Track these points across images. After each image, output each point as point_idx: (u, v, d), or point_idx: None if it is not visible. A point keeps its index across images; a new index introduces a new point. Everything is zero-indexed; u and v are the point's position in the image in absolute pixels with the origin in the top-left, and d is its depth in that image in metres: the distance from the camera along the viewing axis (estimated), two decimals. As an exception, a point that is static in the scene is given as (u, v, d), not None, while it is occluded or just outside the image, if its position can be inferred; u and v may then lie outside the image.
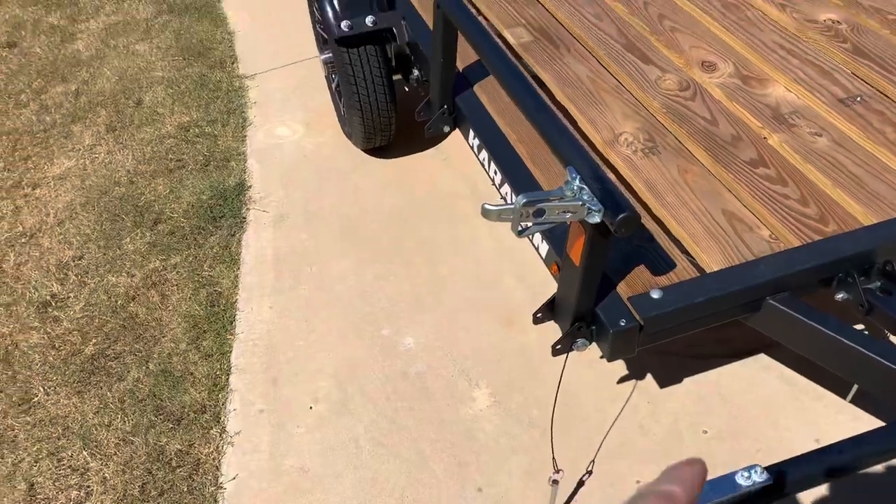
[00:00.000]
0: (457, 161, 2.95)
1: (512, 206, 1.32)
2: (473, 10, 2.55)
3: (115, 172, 3.07)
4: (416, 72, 2.58)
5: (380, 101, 2.66)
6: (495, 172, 2.00)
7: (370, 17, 2.47)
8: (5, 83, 3.75)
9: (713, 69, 2.20)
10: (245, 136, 3.19)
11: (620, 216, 1.29)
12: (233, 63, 3.67)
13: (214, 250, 2.65)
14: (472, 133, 2.13)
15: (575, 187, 1.37)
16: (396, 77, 2.76)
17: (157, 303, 2.48)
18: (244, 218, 2.78)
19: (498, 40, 1.98)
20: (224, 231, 2.72)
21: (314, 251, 2.60)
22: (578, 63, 2.28)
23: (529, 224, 1.37)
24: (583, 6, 2.53)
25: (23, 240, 2.80)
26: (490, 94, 2.21)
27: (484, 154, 2.06)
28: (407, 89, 2.70)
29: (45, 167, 3.17)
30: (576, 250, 1.48)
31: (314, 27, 3.08)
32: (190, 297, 2.48)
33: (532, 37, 2.41)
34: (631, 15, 2.47)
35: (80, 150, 3.24)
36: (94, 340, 2.37)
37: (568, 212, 1.34)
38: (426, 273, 2.48)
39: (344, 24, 2.45)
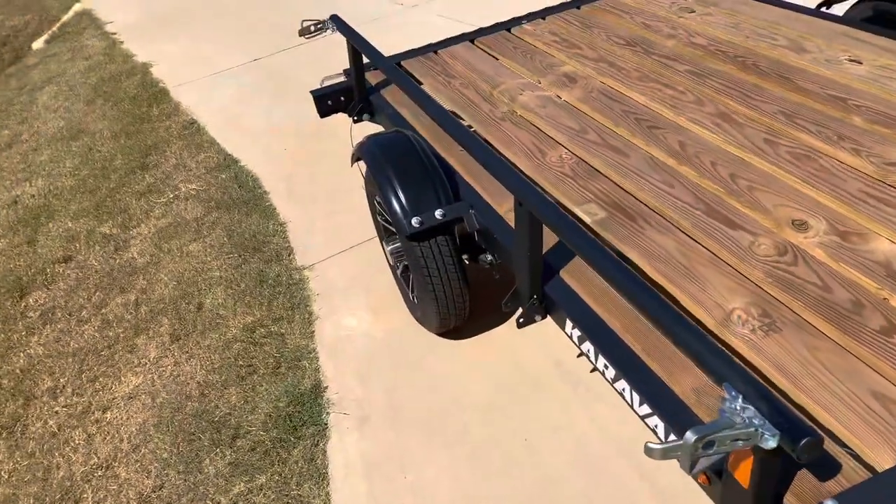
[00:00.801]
0: (531, 332, 2.86)
1: (680, 444, 1.21)
2: (539, 188, 2.54)
3: (185, 386, 3.00)
4: (488, 256, 2.55)
5: (454, 287, 2.61)
6: (605, 367, 1.89)
7: (439, 210, 2.46)
8: (65, 300, 3.76)
9: (806, 228, 2.13)
10: (313, 331, 3.13)
11: (804, 442, 1.17)
12: (289, 255, 3.68)
13: (300, 465, 2.52)
14: (569, 323, 2.04)
15: (738, 407, 1.26)
16: (463, 257, 2.72)
17: (249, 533, 2.33)
18: (325, 424, 2.66)
19: (581, 227, 1.93)
20: (307, 441, 2.60)
21: (406, 455, 2.47)
22: (662, 235, 2.22)
23: (699, 458, 1.25)
24: (649, 174, 2.51)
25: (99, 472, 2.69)
26: (581, 280, 2.14)
27: (588, 346, 1.96)
28: (467, 261, 2.65)
29: (114, 387, 3.11)
30: (742, 472, 1.34)
31: (374, 218, 3.09)
32: (282, 523, 2.32)
33: (606, 212, 2.37)
34: (702, 178, 2.44)
35: (146, 364, 3.19)
36: (186, 586, 2.20)
37: (740, 440, 1.22)
38: (530, 470, 2.33)
39: (414, 221, 2.44)
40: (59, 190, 4.97)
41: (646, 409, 1.74)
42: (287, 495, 2.42)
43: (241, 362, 3.05)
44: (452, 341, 2.90)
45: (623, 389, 1.82)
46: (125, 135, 5.56)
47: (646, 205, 2.38)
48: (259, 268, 3.63)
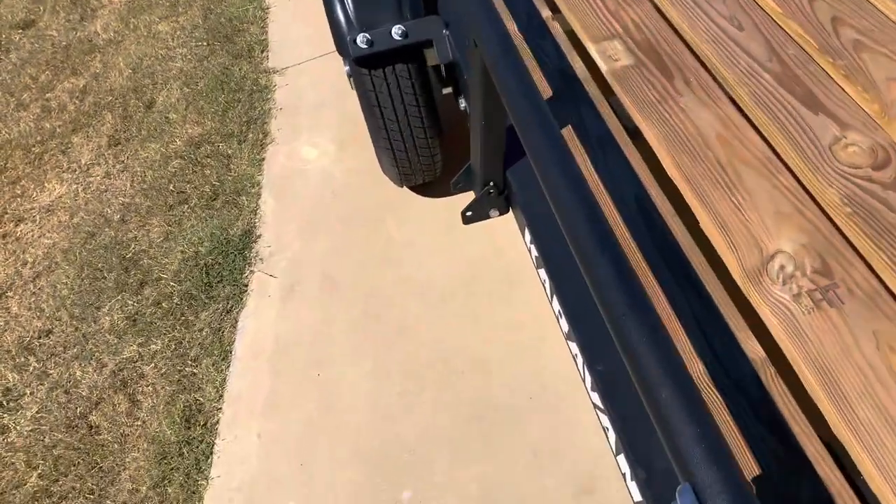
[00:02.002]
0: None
1: None
2: (547, 12, 1.77)
3: (108, 206, 2.50)
4: (462, 101, 1.84)
5: (417, 137, 1.94)
6: (560, 314, 1.26)
7: (398, 27, 1.73)
8: (12, 76, 3.23)
9: (930, 125, 1.35)
10: (263, 157, 2.53)
11: None
12: (262, 51, 2.99)
13: (204, 333, 2.04)
14: (528, 235, 1.39)
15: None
16: (447, 91, 2.02)
17: (124, 413, 1.91)
18: (245, 285, 2.15)
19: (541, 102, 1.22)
20: (219, 304, 2.10)
21: (326, 346, 1.95)
22: (701, 107, 1.47)
23: None
24: (710, 1, 1.68)
25: (-11, 302, 2.29)
26: (561, 167, 1.43)
27: (545, 276, 1.32)
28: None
29: (35, 194, 2.64)
30: None
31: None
32: (163, 409, 1.89)
33: (632, 58, 1.60)
34: (787, 18, 1.61)
35: (75, 170, 2.69)
36: (39, 469, 1.83)
37: None
38: (474, 396, 1.78)
39: (360, 39, 1.72)
40: (41, -64, 4.25)
41: (598, 400, 1.13)
42: (179, 372, 1.97)
43: (174, 186, 2.51)
44: (422, 198, 2.26)
45: (576, 355, 1.20)
46: None
47: (694, 52, 1.59)
48: (224, 64, 2.97)
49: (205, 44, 3.10)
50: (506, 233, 2.06)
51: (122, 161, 2.66)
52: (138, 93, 2.95)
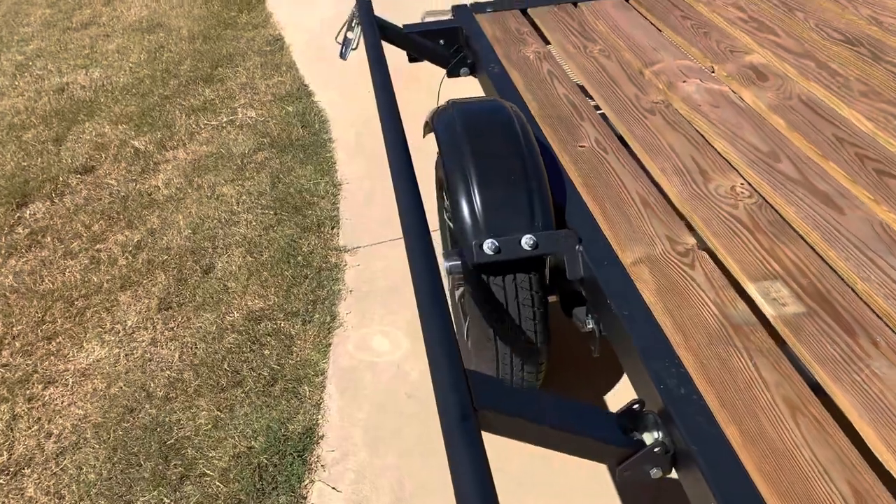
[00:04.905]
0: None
1: None
2: (690, 239, 1.62)
3: (152, 378, 2.26)
4: (590, 321, 1.66)
5: (528, 347, 1.74)
6: None
7: (528, 237, 1.58)
8: (63, 222, 3.09)
9: None
10: (330, 343, 2.33)
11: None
12: (332, 228, 2.87)
13: (252, 556, 1.73)
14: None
15: None
16: (552, 299, 1.85)
17: None
18: (304, 497, 1.86)
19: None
20: (272, 519, 1.81)
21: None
22: (898, 373, 1.28)
23: None
24: (877, 252, 1.55)
25: (2, 479, 1.99)
26: (754, 428, 1.21)
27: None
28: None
29: (70, 354, 2.40)
30: None
31: (440, 213, 2.23)
32: None
33: (802, 305, 1.44)
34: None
35: (118, 332, 2.47)
36: None
37: None
38: None
39: (488, 245, 1.58)
40: (112, 86, 4.31)
41: None
42: None
43: (228, 364, 2.28)
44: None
45: None
46: (203, 38, 4.85)
47: (870, 306, 1.43)
48: (292, 236, 2.83)
49: (272, 212, 2.98)
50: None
51: (172, 328, 2.45)
52: (196, 255, 2.79)
